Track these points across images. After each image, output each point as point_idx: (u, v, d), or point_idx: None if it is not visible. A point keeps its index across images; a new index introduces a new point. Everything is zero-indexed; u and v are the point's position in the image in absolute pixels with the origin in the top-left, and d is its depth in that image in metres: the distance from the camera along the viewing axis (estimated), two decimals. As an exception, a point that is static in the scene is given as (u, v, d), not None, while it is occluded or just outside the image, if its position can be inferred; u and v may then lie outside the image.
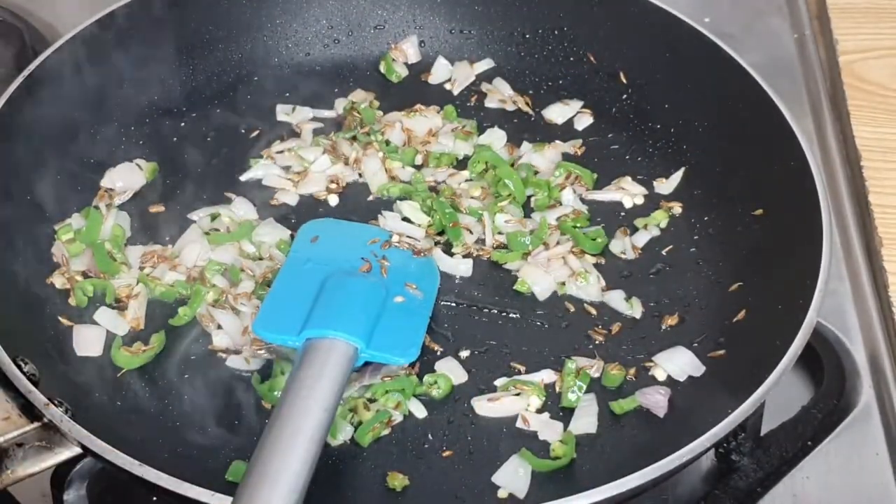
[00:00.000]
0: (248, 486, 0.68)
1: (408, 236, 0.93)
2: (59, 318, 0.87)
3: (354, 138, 1.01)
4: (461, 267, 0.92)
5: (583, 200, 0.97)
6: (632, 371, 0.86)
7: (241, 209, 0.96)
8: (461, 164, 1.00)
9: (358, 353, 0.80)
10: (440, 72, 1.07)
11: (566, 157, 1.01)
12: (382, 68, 1.08)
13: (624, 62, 1.04)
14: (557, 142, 1.02)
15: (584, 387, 0.85)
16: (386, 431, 0.82)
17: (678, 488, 0.85)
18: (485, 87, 1.06)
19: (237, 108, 1.04)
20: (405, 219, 0.95)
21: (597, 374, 0.86)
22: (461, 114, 1.04)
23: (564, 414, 0.84)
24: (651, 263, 0.94)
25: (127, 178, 0.97)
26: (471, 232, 0.95)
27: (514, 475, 0.80)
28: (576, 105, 1.05)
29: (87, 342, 0.87)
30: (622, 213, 0.97)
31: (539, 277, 0.91)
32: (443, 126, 1.02)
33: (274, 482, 0.68)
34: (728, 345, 0.87)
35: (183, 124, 1.02)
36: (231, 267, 0.91)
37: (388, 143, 1.00)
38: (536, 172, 0.99)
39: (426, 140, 1.01)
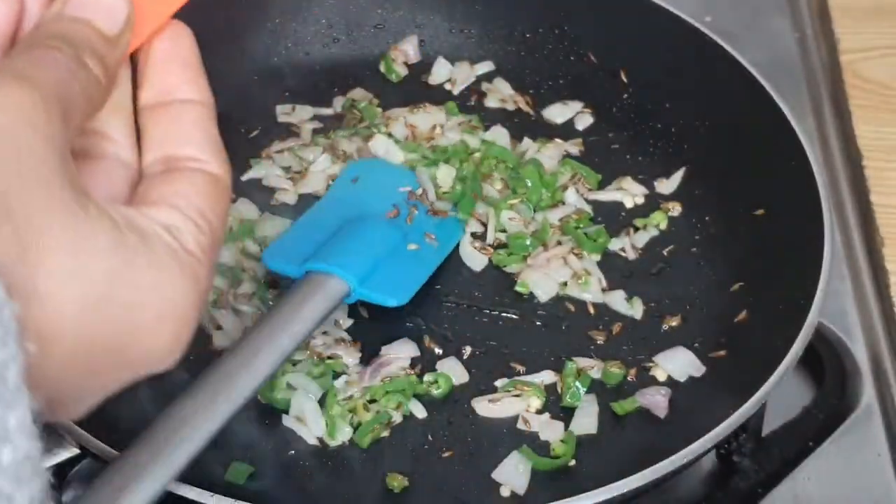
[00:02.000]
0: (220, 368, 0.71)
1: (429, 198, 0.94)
2: (58, 319, 0.87)
3: (356, 133, 1.01)
4: (474, 259, 0.92)
5: (586, 201, 0.97)
6: (632, 371, 0.86)
7: (243, 210, 0.95)
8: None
9: (350, 291, 0.81)
10: (440, 71, 1.07)
11: (568, 156, 1.01)
12: (382, 68, 1.07)
13: (624, 61, 1.04)
14: (558, 140, 1.02)
15: (585, 388, 0.84)
16: (385, 433, 0.82)
17: (679, 489, 0.85)
18: (485, 86, 1.06)
19: (236, 108, 1.03)
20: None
21: (597, 375, 0.86)
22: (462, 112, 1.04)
23: (565, 414, 0.84)
24: (652, 263, 0.94)
25: None
26: (483, 225, 0.94)
27: (514, 471, 0.80)
28: (576, 105, 1.04)
29: (85, 342, 0.86)
30: (623, 213, 0.97)
31: (540, 280, 0.91)
32: (448, 121, 1.02)
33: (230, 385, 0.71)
34: (729, 345, 0.87)
35: (182, 124, 1.02)
36: (231, 268, 0.91)
37: (390, 135, 1.00)
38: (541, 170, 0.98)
39: (430, 136, 1.00)
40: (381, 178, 0.95)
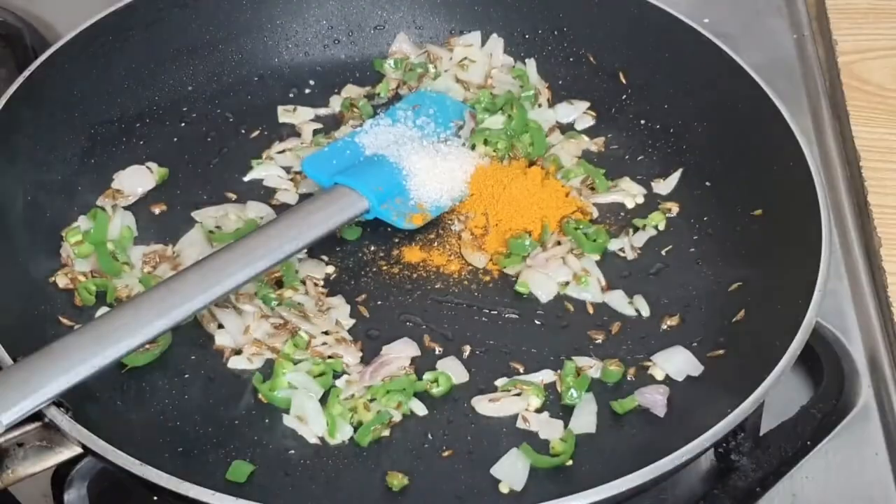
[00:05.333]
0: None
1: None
2: (60, 319, 0.87)
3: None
4: (475, 258, 0.93)
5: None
6: (631, 371, 0.86)
7: (253, 211, 0.96)
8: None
9: (370, 208, 0.92)
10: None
11: (586, 154, 1.01)
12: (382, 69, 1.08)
13: (623, 62, 1.04)
14: (584, 137, 1.02)
15: (585, 387, 0.85)
16: (386, 433, 0.82)
17: (677, 488, 0.85)
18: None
19: (238, 109, 1.04)
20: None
21: (596, 375, 0.86)
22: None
23: (564, 413, 0.84)
24: (650, 263, 0.94)
25: (137, 180, 0.97)
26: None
27: (512, 467, 0.80)
28: (582, 104, 1.05)
29: (87, 342, 0.87)
30: (621, 214, 0.97)
31: (540, 281, 0.91)
32: (491, 60, 1.06)
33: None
34: (727, 345, 0.87)
35: (183, 125, 1.02)
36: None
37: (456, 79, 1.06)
38: (560, 167, 0.99)
39: (482, 86, 1.05)
40: (440, 108, 1.01)
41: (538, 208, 0.95)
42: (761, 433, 0.87)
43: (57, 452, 0.76)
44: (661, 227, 0.96)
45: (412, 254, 0.94)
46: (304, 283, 0.91)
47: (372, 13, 1.08)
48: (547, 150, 1.00)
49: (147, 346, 0.84)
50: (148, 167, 0.98)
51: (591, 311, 0.90)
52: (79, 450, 0.75)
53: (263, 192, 0.98)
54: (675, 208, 0.97)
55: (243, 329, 0.87)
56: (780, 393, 0.83)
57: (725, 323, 0.88)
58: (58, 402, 0.75)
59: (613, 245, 0.95)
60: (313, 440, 0.82)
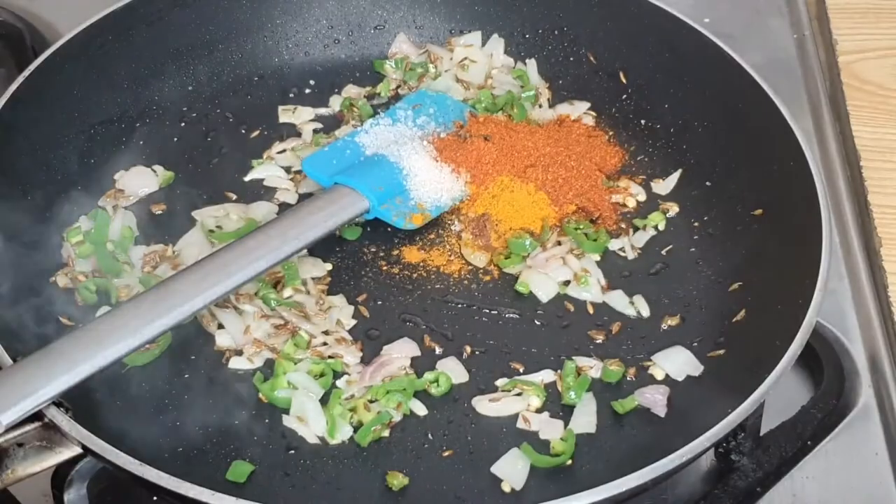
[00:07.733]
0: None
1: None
2: (61, 318, 0.87)
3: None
4: (476, 256, 0.93)
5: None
6: (632, 371, 0.86)
7: (256, 210, 0.96)
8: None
9: (369, 208, 0.92)
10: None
11: None
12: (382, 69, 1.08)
13: (624, 62, 1.04)
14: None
15: (585, 387, 0.85)
16: (386, 433, 0.82)
17: (678, 488, 0.85)
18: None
19: (237, 109, 1.04)
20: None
21: (596, 375, 0.86)
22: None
23: (565, 412, 0.84)
24: (651, 263, 0.94)
25: (140, 181, 0.98)
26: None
27: (513, 466, 0.80)
28: (582, 105, 1.05)
29: (87, 342, 0.86)
30: (622, 213, 0.97)
31: (540, 281, 0.91)
32: (492, 60, 1.07)
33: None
34: (727, 345, 0.87)
35: (183, 124, 1.02)
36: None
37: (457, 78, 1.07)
38: None
39: (482, 86, 1.06)
40: (440, 108, 1.01)
41: (538, 208, 0.95)
42: (761, 433, 0.87)
43: (57, 452, 0.76)
44: (662, 226, 0.96)
45: (412, 254, 0.94)
46: (304, 283, 0.91)
47: (372, 13, 1.09)
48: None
49: (147, 345, 0.84)
50: (153, 169, 0.98)
51: (591, 310, 0.90)
52: (79, 450, 0.75)
53: (264, 192, 0.98)
54: (675, 208, 0.97)
55: (244, 329, 0.87)
56: (780, 393, 0.83)
57: (726, 323, 0.88)
58: (58, 401, 0.75)
59: (613, 245, 0.95)
60: (313, 440, 0.82)
